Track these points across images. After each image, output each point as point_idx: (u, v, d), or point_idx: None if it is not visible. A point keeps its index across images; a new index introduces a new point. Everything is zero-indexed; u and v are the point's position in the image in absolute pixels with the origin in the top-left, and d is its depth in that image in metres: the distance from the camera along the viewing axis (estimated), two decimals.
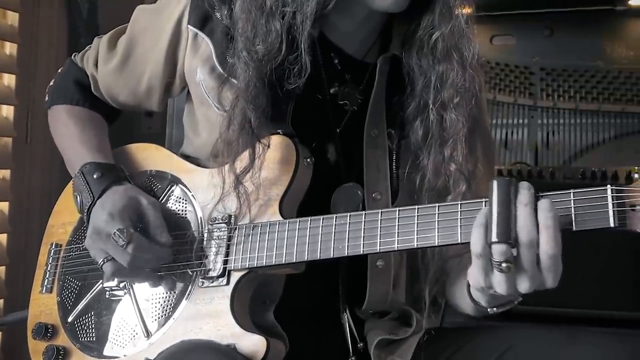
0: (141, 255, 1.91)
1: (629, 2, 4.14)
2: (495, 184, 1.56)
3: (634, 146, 4.09)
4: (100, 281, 2.09)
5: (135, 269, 1.93)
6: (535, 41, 4.37)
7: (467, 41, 1.95)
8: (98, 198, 2.02)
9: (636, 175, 3.26)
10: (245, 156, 1.89)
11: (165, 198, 2.09)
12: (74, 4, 3.72)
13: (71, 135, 2.26)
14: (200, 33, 2.06)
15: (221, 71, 2.01)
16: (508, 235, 1.52)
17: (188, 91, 2.17)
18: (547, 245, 1.52)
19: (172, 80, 2.17)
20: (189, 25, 2.07)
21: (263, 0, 1.92)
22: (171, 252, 1.97)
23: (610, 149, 4.13)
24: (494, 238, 1.52)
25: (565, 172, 3.49)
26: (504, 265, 1.52)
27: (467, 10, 1.97)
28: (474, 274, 1.61)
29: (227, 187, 1.90)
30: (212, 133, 2.02)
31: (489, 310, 1.78)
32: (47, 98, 2.40)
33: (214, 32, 2.04)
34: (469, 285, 1.78)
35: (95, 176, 2.06)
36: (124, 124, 2.49)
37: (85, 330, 2.09)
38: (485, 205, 1.62)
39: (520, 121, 4.32)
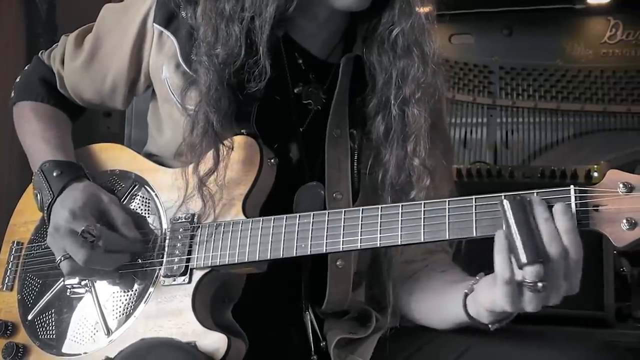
0: (105, 253, 1.91)
1: (588, 1, 4.16)
2: (507, 204, 1.54)
3: (593, 144, 4.11)
4: (62, 279, 2.09)
5: (90, 267, 1.93)
6: (494, 40, 4.37)
7: (427, 37, 1.97)
8: (58, 196, 2.02)
9: (595, 174, 3.27)
10: (209, 158, 1.90)
11: (128, 197, 2.09)
12: (32, 4, 3.70)
13: (33, 133, 2.26)
14: (165, 31, 2.06)
15: (186, 68, 2.02)
16: (538, 254, 1.50)
17: (153, 90, 2.18)
18: (573, 249, 1.54)
19: (137, 78, 2.17)
20: (154, 24, 2.07)
21: (223, 5, 1.93)
22: (141, 247, 1.98)
23: (570, 147, 4.15)
24: (524, 260, 1.50)
25: (524, 171, 3.48)
26: (539, 284, 1.52)
27: (427, 8, 1.98)
28: (498, 300, 1.61)
29: (191, 190, 1.91)
30: (176, 131, 2.03)
31: (490, 326, 1.77)
32: (12, 94, 2.39)
33: (179, 30, 2.05)
34: (464, 302, 1.79)
35: (55, 174, 2.06)
36: (82, 124, 2.49)
37: (45, 328, 2.09)
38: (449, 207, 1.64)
39: (480, 120, 4.32)
